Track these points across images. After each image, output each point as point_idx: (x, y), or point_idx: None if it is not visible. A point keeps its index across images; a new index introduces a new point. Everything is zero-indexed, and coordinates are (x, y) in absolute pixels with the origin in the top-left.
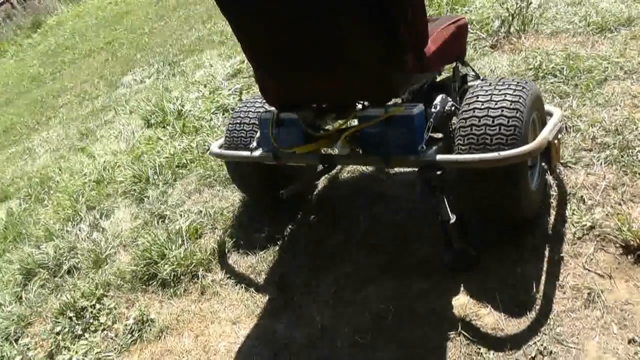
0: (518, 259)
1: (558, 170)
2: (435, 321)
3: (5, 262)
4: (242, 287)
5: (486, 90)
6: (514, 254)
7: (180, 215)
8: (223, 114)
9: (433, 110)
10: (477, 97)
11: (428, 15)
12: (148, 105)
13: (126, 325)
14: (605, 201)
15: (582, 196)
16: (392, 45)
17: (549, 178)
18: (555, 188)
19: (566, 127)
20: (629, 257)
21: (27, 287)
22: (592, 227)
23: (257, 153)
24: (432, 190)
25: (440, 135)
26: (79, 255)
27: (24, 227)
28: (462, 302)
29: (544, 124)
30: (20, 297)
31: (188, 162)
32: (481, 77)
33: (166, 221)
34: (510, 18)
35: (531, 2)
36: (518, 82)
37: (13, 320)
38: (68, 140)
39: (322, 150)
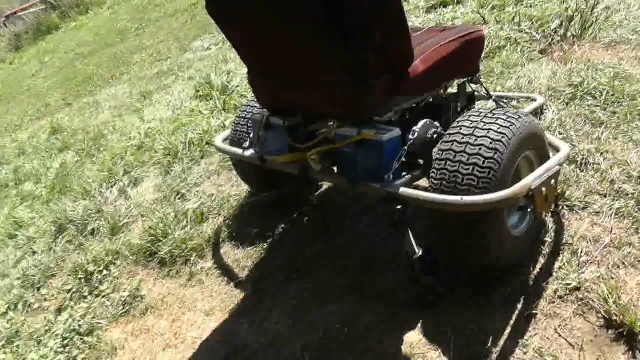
0: (485, 307)
1: (562, 214)
2: (381, 354)
3: (48, 211)
4: (224, 279)
5: (472, 122)
6: (482, 301)
7: (195, 195)
8: None
9: (410, 137)
10: (460, 129)
11: (445, 24)
12: (201, 76)
13: (122, 296)
14: (603, 260)
15: (578, 249)
16: (357, 71)
17: (549, 222)
18: (553, 234)
19: (586, 163)
20: (609, 332)
21: (57, 240)
22: (577, 288)
23: (248, 153)
24: (393, 224)
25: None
26: (102, 219)
27: (69, 181)
28: (412, 340)
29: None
30: (51, 249)
31: None
32: (493, 97)
33: (181, 199)
34: (568, 21)
35: (598, 3)
36: (508, 117)
37: (40, 269)
38: (130, 99)
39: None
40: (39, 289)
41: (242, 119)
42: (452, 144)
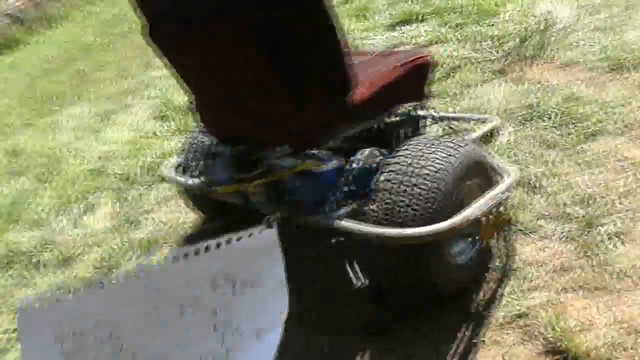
0: (432, 334)
1: (511, 238)
2: None
3: None
4: None
5: (413, 151)
6: (429, 328)
7: (148, 223)
8: None
9: (348, 167)
10: (401, 158)
11: (392, 47)
12: (162, 95)
13: None
14: (549, 285)
15: (525, 274)
16: (296, 99)
17: (498, 247)
18: (501, 259)
19: (537, 186)
20: (553, 358)
21: (2, 275)
22: (523, 314)
23: (194, 182)
24: (335, 255)
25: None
26: (50, 250)
27: (21, 209)
28: None
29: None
30: None
31: None
32: (442, 121)
33: (134, 227)
34: (525, 41)
35: (555, 23)
36: (450, 146)
37: None
38: (91, 120)
39: None
40: None
41: (191, 145)
42: (393, 174)
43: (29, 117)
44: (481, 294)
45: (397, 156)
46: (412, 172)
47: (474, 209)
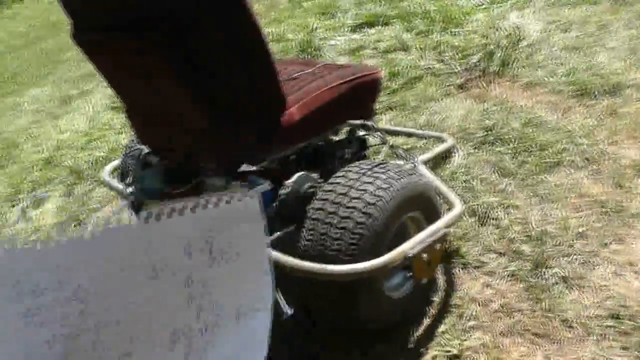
0: None
1: (455, 272)
2: None
3: None
4: None
5: (349, 179)
6: None
7: (92, 222)
8: None
9: (282, 191)
10: (336, 186)
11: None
12: None
13: None
14: (490, 326)
15: (465, 312)
16: (216, 117)
17: (441, 281)
18: (442, 294)
19: (487, 217)
20: None
21: None
22: (457, 356)
23: (129, 190)
24: None
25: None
26: None
27: None
28: None
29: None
30: None
31: None
32: (388, 144)
33: (78, 225)
34: (489, 56)
35: (523, 38)
36: (389, 177)
37: None
38: (51, 104)
39: None
40: None
41: (129, 149)
42: (325, 203)
43: None
44: (419, 329)
45: (333, 184)
46: (346, 203)
47: (409, 246)
